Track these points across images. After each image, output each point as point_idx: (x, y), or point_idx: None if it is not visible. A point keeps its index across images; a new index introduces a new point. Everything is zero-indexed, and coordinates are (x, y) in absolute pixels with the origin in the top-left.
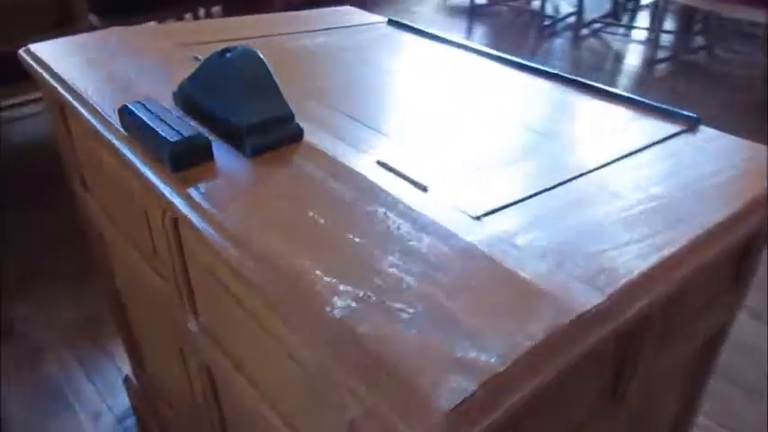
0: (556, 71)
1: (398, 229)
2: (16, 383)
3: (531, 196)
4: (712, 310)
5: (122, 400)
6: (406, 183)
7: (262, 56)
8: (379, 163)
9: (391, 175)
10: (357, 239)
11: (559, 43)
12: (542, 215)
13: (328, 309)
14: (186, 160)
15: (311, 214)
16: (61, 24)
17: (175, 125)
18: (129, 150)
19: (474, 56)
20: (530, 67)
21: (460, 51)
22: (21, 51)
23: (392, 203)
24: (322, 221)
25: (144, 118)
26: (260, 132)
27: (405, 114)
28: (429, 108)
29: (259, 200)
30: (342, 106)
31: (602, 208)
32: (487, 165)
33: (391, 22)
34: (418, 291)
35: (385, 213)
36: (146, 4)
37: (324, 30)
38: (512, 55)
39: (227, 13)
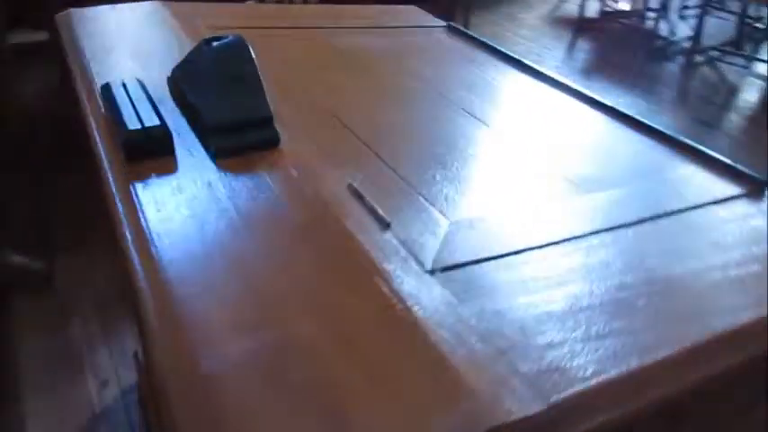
0: (615, 106)
1: (333, 273)
2: (38, 337)
3: (510, 254)
4: (748, 415)
5: (132, 375)
6: (368, 215)
7: (251, 49)
8: (349, 187)
9: (357, 203)
10: (279, 280)
11: (670, 68)
12: (511, 280)
13: (201, 360)
14: (142, 151)
15: (243, 241)
16: None
17: (144, 112)
18: (97, 132)
19: (532, 79)
20: (591, 99)
21: (518, 72)
22: (57, 16)
23: (338, 241)
24: (250, 252)
25: (117, 99)
26: (227, 133)
27: (414, 136)
28: (448, 132)
29: (199, 213)
30: (344, 114)
31: (597, 282)
32: (482, 209)
33: (451, 28)
34: (315, 357)
35: (329, 252)
36: None
37: (374, 28)
38: (613, 76)
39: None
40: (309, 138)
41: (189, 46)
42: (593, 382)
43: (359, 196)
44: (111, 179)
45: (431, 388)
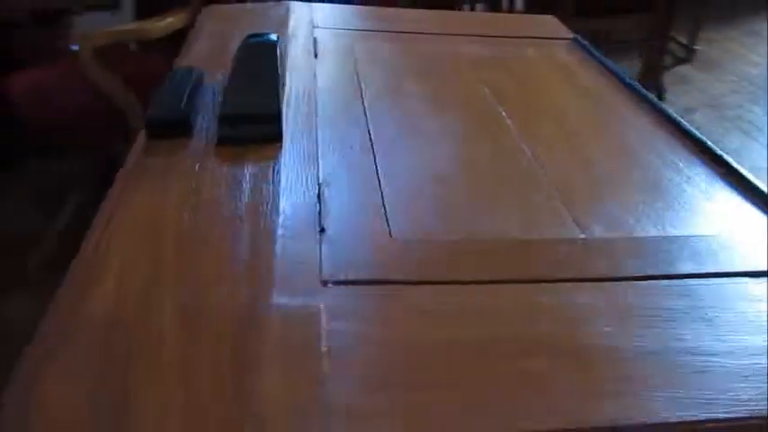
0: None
1: (231, 261)
2: None
3: (436, 282)
4: None
5: None
6: (313, 216)
7: (278, 49)
8: (319, 184)
9: (313, 202)
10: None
11: None
12: (417, 309)
13: (64, 316)
14: (162, 130)
15: (184, 216)
16: None
17: (178, 97)
18: None
19: (645, 119)
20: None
21: (628, 104)
22: (204, 9)
23: (260, 234)
24: (190, 238)
25: (170, 83)
26: (232, 124)
27: (432, 152)
28: (476, 159)
29: (176, 193)
30: (379, 120)
31: (495, 328)
32: (445, 236)
33: (575, 42)
34: (135, 337)
35: (244, 243)
36: None
37: (490, 37)
38: None
39: (529, 7)
40: (323, 138)
41: (284, 44)
42: None
43: (318, 195)
44: (132, 151)
45: (224, 396)
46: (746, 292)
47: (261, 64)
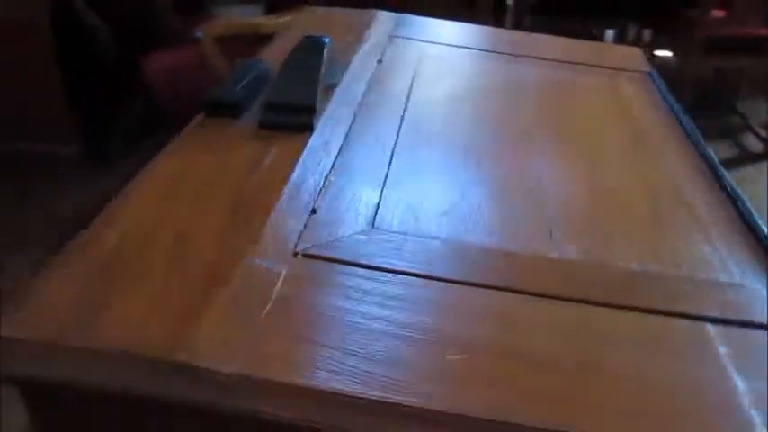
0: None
1: (227, 222)
2: None
3: (398, 272)
4: None
5: None
6: (312, 198)
7: (325, 51)
8: (329, 173)
9: (317, 187)
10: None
11: None
12: (370, 291)
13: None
14: (216, 110)
15: (192, 185)
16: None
17: (240, 84)
18: None
19: (685, 159)
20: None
21: (675, 144)
22: (299, 11)
23: (258, 206)
24: (186, 216)
25: (236, 71)
26: (274, 110)
27: (449, 161)
28: (486, 172)
29: (199, 157)
30: (413, 126)
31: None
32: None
33: (649, 76)
34: (127, 266)
35: (244, 210)
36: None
37: (563, 62)
38: None
39: (657, 40)
40: (353, 134)
41: (353, 49)
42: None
43: (324, 185)
44: (189, 124)
45: (173, 322)
46: (699, 334)
47: (308, 62)
